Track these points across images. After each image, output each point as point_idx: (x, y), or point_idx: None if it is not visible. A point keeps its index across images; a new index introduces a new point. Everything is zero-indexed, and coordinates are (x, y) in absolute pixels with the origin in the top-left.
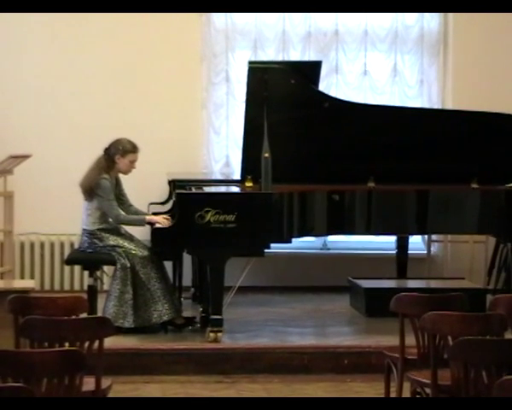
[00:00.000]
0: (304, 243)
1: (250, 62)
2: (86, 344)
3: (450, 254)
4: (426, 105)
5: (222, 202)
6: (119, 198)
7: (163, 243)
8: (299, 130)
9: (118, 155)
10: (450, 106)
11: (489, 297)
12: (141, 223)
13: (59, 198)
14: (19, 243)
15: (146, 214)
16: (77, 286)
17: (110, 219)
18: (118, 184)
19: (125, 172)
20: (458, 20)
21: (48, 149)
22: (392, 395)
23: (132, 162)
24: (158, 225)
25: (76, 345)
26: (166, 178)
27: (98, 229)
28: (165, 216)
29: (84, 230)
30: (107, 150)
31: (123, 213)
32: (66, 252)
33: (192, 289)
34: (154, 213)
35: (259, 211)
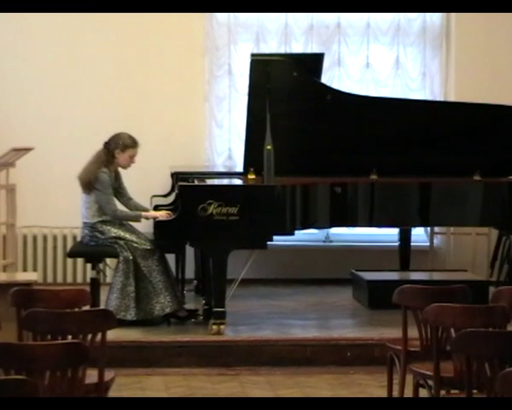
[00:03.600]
0: (306, 236)
1: (252, 55)
2: (89, 337)
3: (452, 247)
4: (428, 98)
5: (224, 194)
6: (118, 191)
7: (165, 236)
8: (301, 122)
9: (118, 149)
10: (452, 98)
11: (491, 289)
12: (137, 219)
13: (61, 191)
14: (21, 236)
15: (145, 209)
16: (79, 279)
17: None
18: (117, 177)
19: (124, 167)
20: (460, 13)
21: (50, 142)
22: (395, 387)
23: (132, 157)
24: (160, 218)
25: (79, 338)
26: (169, 171)
27: (98, 222)
28: (167, 212)
29: (84, 223)
30: (106, 144)
31: (119, 208)
32: (69, 245)
33: (195, 282)
34: (157, 207)
35: (262, 203)
